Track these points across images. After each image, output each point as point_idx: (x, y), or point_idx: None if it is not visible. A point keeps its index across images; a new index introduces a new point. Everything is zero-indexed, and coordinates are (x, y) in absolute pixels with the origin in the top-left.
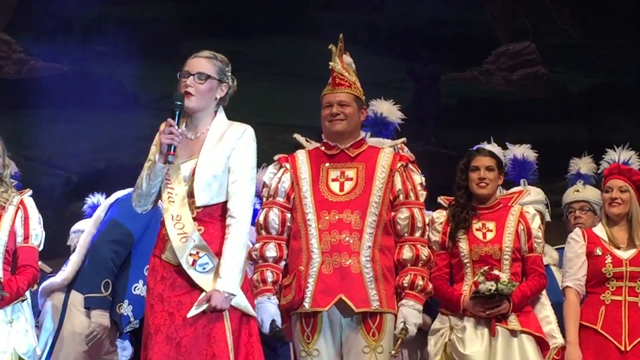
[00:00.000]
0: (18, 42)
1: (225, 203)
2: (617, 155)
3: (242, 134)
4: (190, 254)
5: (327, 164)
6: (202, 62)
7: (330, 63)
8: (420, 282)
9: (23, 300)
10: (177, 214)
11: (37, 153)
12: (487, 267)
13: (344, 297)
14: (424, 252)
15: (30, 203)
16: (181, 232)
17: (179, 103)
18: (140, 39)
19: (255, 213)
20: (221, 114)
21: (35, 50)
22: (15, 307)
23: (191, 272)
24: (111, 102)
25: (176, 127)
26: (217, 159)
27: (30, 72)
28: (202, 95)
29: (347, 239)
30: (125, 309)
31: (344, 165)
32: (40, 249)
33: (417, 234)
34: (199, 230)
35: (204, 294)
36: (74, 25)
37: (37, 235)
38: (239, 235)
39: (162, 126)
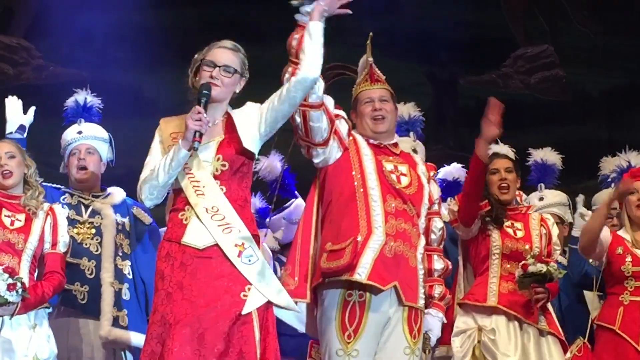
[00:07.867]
0: (37, 48)
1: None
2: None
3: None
4: (236, 245)
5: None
6: (229, 55)
7: (369, 59)
8: (448, 296)
9: (48, 307)
10: (212, 205)
11: (57, 159)
12: (533, 253)
13: (397, 286)
14: (448, 264)
15: (59, 210)
16: (222, 223)
17: (206, 92)
18: (160, 44)
19: (262, 212)
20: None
21: (55, 56)
22: (38, 313)
23: (238, 264)
24: (130, 109)
25: (204, 114)
26: (246, 131)
27: (49, 78)
28: (226, 88)
29: (410, 230)
30: None
31: (395, 159)
32: (68, 256)
33: (441, 246)
34: (221, 189)
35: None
36: (93, 31)
37: (65, 242)
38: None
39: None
